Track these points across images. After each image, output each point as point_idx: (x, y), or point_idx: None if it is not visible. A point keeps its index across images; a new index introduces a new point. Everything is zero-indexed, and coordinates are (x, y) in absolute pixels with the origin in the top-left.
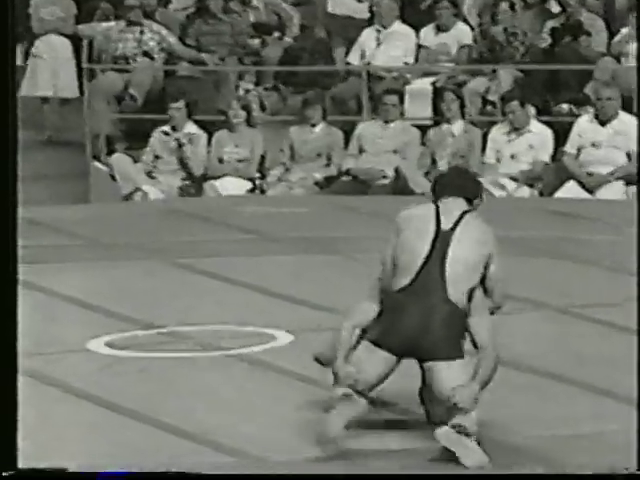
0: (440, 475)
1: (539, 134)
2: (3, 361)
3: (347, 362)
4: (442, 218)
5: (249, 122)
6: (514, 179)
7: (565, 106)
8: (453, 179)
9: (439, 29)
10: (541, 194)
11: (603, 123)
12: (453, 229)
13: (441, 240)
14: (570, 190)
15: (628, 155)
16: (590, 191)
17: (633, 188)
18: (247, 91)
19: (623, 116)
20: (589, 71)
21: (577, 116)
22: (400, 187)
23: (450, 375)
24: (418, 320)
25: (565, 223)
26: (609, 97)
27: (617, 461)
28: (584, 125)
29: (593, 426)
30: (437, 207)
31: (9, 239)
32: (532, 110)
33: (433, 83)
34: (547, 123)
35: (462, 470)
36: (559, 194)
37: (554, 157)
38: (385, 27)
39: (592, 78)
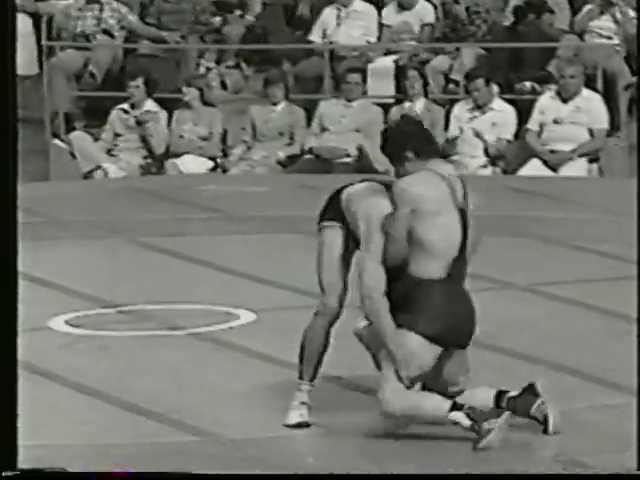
0: (442, 475)
1: (502, 112)
2: (3, 361)
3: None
4: (456, 192)
5: (205, 101)
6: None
7: (528, 84)
8: (431, 137)
9: (401, 7)
10: (504, 172)
11: (565, 100)
12: (465, 205)
13: (462, 220)
14: (533, 167)
15: (590, 132)
16: (553, 168)
17: (595, 165)
18: (208, 69)
19: (585, 93)
20: (552, 49)
21: (540, 94)
22: (363, 166)
23: (465, 361)
24: (464, 309)
25: (528, 201)
26: (572, 74)
27: (583, 440)
28: (546, 102)
29: (559, 404)
30: (443, 177)
31: (9, 236)
32: (495, 88)
33: (396, 61)
34: (510, 101)
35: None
36: (522, 172)
37: (517, 135)
38: (345, 6)
39: (555, 56)
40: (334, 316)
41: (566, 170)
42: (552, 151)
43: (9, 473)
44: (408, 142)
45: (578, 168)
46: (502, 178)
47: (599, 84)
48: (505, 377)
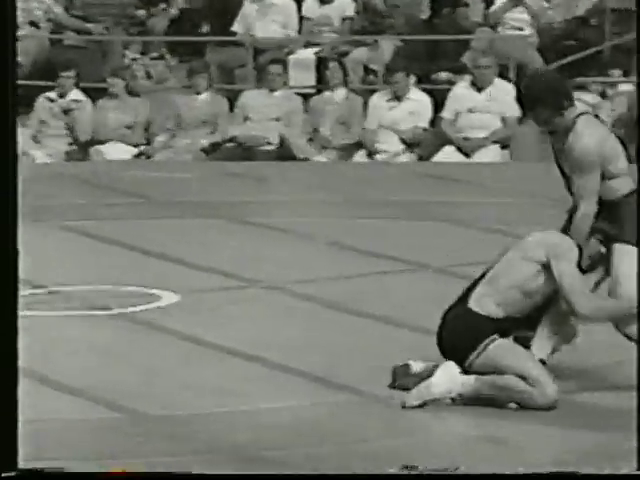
0: (442, 475)
1: (418, 101)
2: (3, 361)
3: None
4: None
5: (130, 91)
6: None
7: (443, 74)
8: None
9: (322, 1)
10: (420, 158)
11: (479, 90)
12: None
13: None
14: (448, 154)
15: (503, 119)
16: (467, 154)
17: (507, 151)
18: (133, 60)
19: (498, 83)
20: (467, 40)
21: (455, 84)
22: (284, 153)
23: None
24: None
25: (444, 186)
26: (486, 65)
27: None
28: (461, 92)
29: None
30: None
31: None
32: (412, 79)
33: (316, 53)
34: (426, 91)
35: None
36: (437, 158)
37: (433, 123)
38: None
39: (469, 47)
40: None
41: (479, 156)
42: (466, 138)
43: (9, 474)
44: (566, 90)
45: (491, 154)
46: (418, 164)
47: (512, 74)
48: (422, 356)
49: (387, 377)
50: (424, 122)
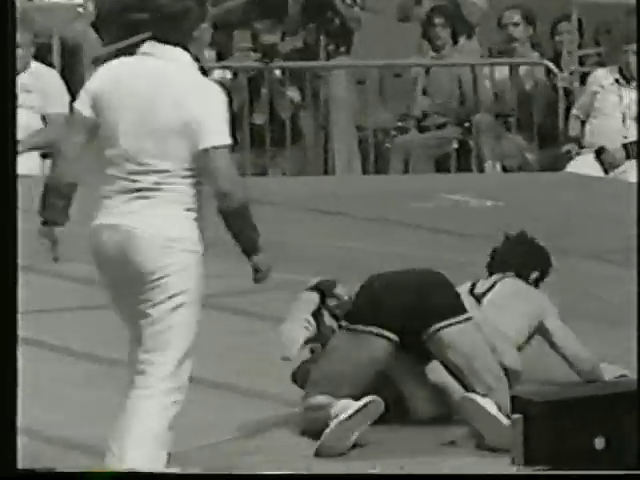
0: (442, 475)
1: None
2: (2, 361)
3: None
4: None
5: None
6: None
7: None
8: None
9: None
10: None
11: None
12: None
13: None
14: None
15: (44, 118)
16: None
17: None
18: None
19: (38, 68)
20: None
21: None
22: None
23: None
24: None
25: None
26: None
27: None
28: None
29: None
30: None
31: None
32: None
33: None
34: None
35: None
36: None
37: None
38: None
39: None
40: None
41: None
42: None
43: (7, 475)
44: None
45: (28, 165)
46: None
47: (55, 56)
48: None
49: None
50: None
